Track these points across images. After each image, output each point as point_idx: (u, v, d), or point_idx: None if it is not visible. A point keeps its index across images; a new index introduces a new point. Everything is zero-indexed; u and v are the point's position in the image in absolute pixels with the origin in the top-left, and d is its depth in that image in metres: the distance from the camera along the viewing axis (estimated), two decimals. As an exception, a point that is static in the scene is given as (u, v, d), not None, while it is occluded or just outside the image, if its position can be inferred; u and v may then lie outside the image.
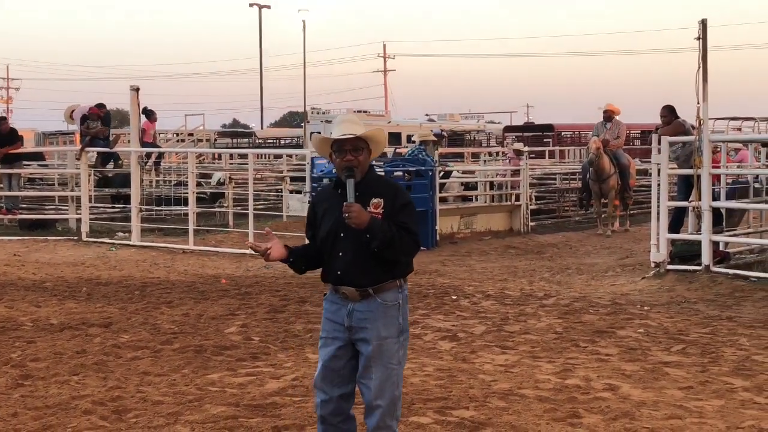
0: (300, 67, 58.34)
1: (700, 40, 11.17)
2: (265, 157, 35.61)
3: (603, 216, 18.58)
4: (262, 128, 58.78)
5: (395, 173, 15.62)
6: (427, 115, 52.21)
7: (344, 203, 4.53)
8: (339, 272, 4.66)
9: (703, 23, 11.16)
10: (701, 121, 11.27)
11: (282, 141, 50.12)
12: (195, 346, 8.25)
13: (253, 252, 4.76)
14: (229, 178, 19.44)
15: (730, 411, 6.16)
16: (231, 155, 29.52)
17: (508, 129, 41.79)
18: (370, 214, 4.53)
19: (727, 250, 12.38)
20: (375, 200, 4.61)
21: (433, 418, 6.00)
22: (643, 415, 6.07)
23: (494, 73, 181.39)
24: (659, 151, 11.91)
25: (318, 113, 44.15)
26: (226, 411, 6.22)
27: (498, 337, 8.61)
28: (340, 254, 4.65)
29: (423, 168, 15.91)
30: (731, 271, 11.38)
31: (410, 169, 16.04)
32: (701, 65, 11.16)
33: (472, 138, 44.07)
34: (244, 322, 9.43)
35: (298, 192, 18.05)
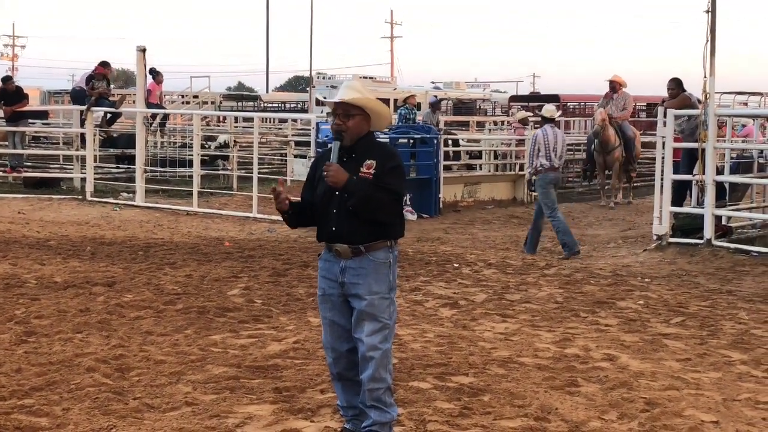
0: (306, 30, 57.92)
1: (709, 13, 11.12)
2: (270, 121, 35.58)
3: (606, 188, 18.58)
4: (267, 92, 58.61)
5: (400, 140, 15.60)
6: (432, 82, 52.04)
7: (325, 163, 4.71)
8: (333, 228, 4.81)
9: (713, -3, 11.10)
10: (707, 95, 11.24)
11: (287, 105, 50.00)
12: (198, 307, 8.30)
13: (273, 195, 4.89)
14: (234, 141, 19.43)
15: (727, 383, 6.21)
16: (236, 118, 29.43)
17: (514, 99, 41.60)
18: (348, 174, 4.69)
19: (729, 225, 12.41)
20: (368, 161, 4.78)
21: (432, 383, 6.06)
22: (640, 385, 6.12)
23: (501, 43, 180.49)
24: (665, 124, 11.90)
25: (323, 78, 43.99)
26: (227, 372, 6.28)
27: (498, 306, 8.66)
28: (335, 211, 4.81)
29: (428, 136, 15.91)
30: (733, 246, 11.43)
31: (415, 136, 16.04)
32: (709, 39, 11.12)
33: (478, 107, 43.91)
34: (246, 284, 9.48)
35: (303, 156, 18.05)
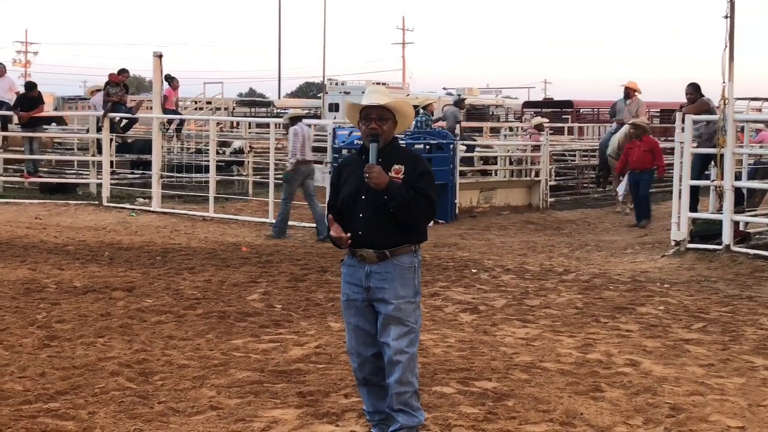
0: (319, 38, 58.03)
1: (728, 18, 11.09)
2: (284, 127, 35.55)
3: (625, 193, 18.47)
4: (279, 98, 58.67)
5: (416, 146, 15.60)
6: (445, 88, 52.00)
7: (366, 165, 4.69)
8: (360, 232, 4.79)
9: (732, 1, 11.08)
10: (726, 100, 11.21)
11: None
12: (218, 312, 8.32)
13: (334, 242, 4.87)
14: (250, 146, 19.46)
15: (752, 389, 6.19)
16: (250, 124, 29.47)
17: (527, 104, 41.50)
18: (389, 177, 4.70)
19: (747, 230, 12.36)
20: (396, 166, 4.79)
21: (456, 388, 6.06)
22: (665, 390, 6.10)
23: (512, 49, 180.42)
24: (683, 129, 11.87)
25: (335, 84, 44.04)
26: (251, 376, 6.29)
27: (518, 311, 8.65)
28: (361, 215, 4.81)
29: (444, 141, 15.91)
30: (752, 251, 11.37)
31: (431, 142, 16.04)
32: (728, 44, 11.09)
33: (491, 113, 43.86)
34: (266, 289, 9.50)
35: (319, 162, 18.05)
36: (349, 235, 4.77)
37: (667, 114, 31.88)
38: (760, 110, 32.72)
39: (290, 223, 14.35)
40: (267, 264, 11.15)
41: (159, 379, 6.21)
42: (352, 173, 4.90)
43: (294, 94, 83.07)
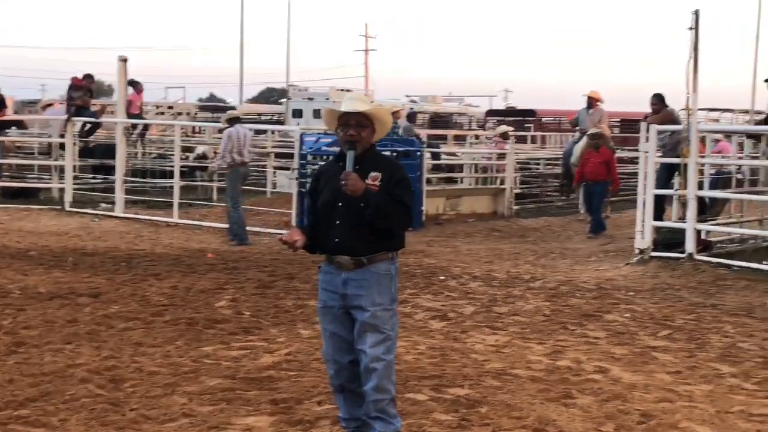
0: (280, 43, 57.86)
1: (693, 30, 11.25)
2: (249, 133, 35.49)
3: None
4: (240, 103, 58.45)
5: (382, 153, 15.59)
6: (407, 96, 52.11)
7: (343, 172, 4.69)
8: (336, 239, 4.79)
9: (696, 14, 11.24)
10: (690, 111, 11.36)
11: (262, 117, 49.84)
12: (186, 318, 8.27)
13: (284, 244, 4.87)
14: (214, 152, 19.36)
15: (719, 396, 6.27)
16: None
17: (490, 113, 41.81)
18: (366, 184, 4.70)
19: (709, 239, 12.52)
20: (373, 174, 4.79)
21: (429, 395, 6.08)
22: (634, 397, 6.17)
23: (474, 57, 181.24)
24: (647, 139, 12.00)
25: (298, 90, 43.98)
26: (222, 383, 6.26)
27: (487, 318, 8.69)
28: (337, 222, 4.81)
29: (411, 149, 15.94)
30: (714, 260, 11.54)
31: (399, 149, 16.06)
32: (692, 56, 11.24)
33: (454, 121, 44.09)
34: (233, 296, 9.46)
35: (285, 168, 18.06)
36: (298, 240, 4.76)
37: (627, 124, 32.22)
38: (717, 120, 33.23)
39: (257, 229, 14.33)
40: (234, 270, 11.10)
41: (129, 386, 6.16)
42: (329, 180, 4.90)
43: (255, 100, 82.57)
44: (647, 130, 12.01)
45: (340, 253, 4.80)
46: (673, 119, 12.96)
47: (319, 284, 4.97)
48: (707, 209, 13.31)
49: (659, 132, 12.24)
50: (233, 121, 14.00)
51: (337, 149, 15.16)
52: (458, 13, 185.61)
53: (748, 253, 12.50)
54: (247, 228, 14.27)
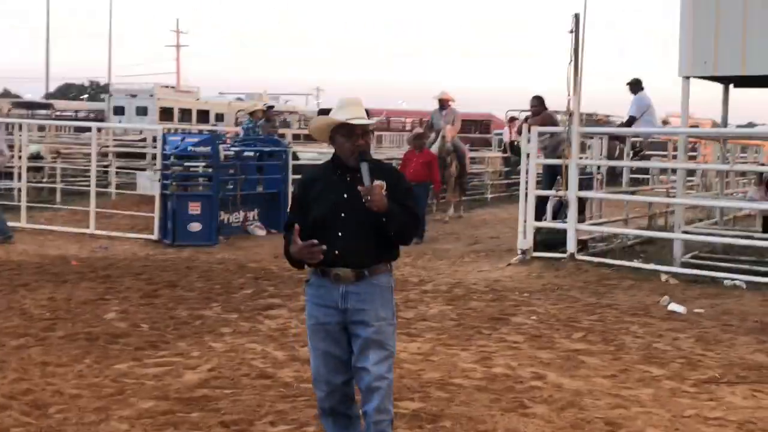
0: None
1: (573, 33, 11.39)
2: (66, 130, 34.17)
3: (442, 201, 18.77)
4: (45, 99, 55.89)
5: (246, 153, 15.09)
6: (233, 93, 51.10)
7: (361, 186, 4.36)
8: (337, 252, 4.42)
9: (576, 17, 11.39)
10: (571, 113, 11.51)
11: (79, 114, 47.73)
12: (83, 333, 7.62)
13: (309, 256, 4.39)
14: (58, 152, 18.25)
15: (666, 400, 6.25)
16: (45, 127, 27.78)
17: (323, 112, 41.61)
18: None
19: (584, 239, 12.76)
20: (378, 182, 4.40)
21: (384, 410, 5.75)
22: (587, 404, 6.06)
23: (290, 54, 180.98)
24: (528, 140, 12.09)
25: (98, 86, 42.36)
26: (158, 405, 5.75)
27: (398, 324, 8.42)
28: (340, 234, 4.45)
29: (277, 149, 15.50)
30: (595, 259, 11.74)
31: (264, 149, 15.58)
32: (573, 59, 11.39)
33: (284, 119, 43.56)
34: (120, 307, 8.84)
35: (142, 169, 17.24)
36: (317, 244, 4.34)
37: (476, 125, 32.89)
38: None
39: (121, 234, 13.62)
40: (107, 279, 10.41)
41: (56, 411, 5.56)
42: (324, 190, 4.51)
43: (53, 96, 78.39)
44: (528, 132, 12.10)
45: (340, 266, 4.43)
46: (552, 121, 13.14)
47: (309, 300, 4.57)
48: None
49: (540, 134, 12.36)
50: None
51: (206, 149, 14.36)
52: (270, 14, 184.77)
53: (618, 252, 12.84)
54: (103, 232, 13.57)
